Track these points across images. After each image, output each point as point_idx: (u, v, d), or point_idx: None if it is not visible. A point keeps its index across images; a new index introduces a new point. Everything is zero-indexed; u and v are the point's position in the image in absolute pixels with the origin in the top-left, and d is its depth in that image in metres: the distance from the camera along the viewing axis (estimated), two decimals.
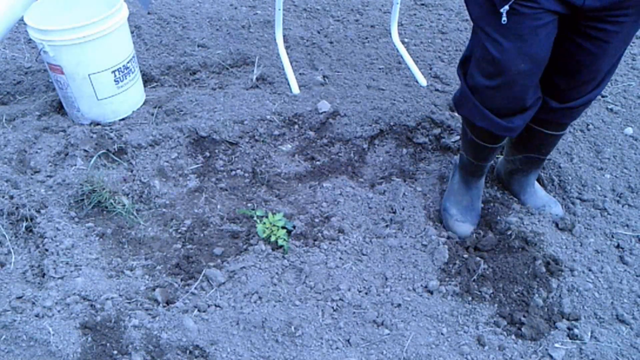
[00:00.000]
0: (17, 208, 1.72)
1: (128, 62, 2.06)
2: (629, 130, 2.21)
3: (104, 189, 1.80)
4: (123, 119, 2.12)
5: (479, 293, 1.57)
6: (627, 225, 1.80)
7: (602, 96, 2.40)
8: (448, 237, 1.75)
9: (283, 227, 1.72)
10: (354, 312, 1.52)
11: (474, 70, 1.42)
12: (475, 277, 1.60)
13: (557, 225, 1.80)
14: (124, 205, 1.81)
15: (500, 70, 1.34)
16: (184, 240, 1.75)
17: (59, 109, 2.20)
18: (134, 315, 1.47)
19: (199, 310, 1.51)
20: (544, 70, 1.41)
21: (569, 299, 1.56)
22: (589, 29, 1.32)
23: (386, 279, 1.62)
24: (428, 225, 1.77)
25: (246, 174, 2.00)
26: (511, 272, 1.60)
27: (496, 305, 1.55)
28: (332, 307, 1.53)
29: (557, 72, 1.44)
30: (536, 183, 1.88)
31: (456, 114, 2.25)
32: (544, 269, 1.63)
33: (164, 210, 1.84)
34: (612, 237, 1.77)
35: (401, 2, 2.78)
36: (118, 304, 1.50)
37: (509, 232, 1.72)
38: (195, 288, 1.57)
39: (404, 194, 1.87)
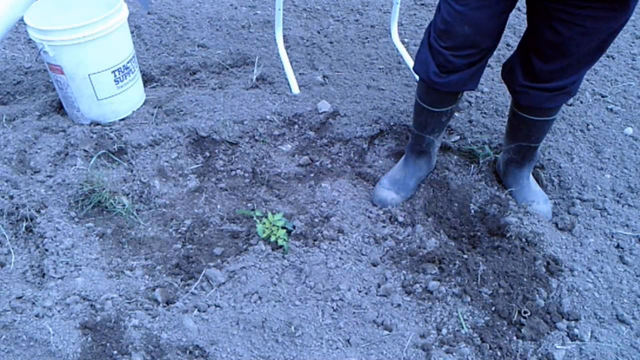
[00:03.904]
0: (17, 208, 1.72)
1: (128, 62, 2.06)
2: (629, 130, 2.21)
3: (104, 189, 1.80)
4: (123, 119, 2.12)
5: (478, 293, 1.57)
6: (627, 225, 1.80)
7: (602, 96, 2.41)
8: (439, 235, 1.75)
9: (283, 227, 1.72)
10: (354, 312, 1.52)
11: (432, 30, 1.60)
12: (475, 277, 1.60)
13: (557, 225, 1.80)
14: (124, 205, 1.81)
15: (449, 30, 1.52)
16: (184, 240, 1.75)
17: (59, 109, 2.20)
18: (134, 315, 1.47)
19: (199, 310, 1.51)
20: (524, 51, 1.60)
21: (569, 299, 1.56)
22: (561, 12, 1.42)
23: (386, 279, 1.62)
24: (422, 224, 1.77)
25: (246, 174, 2.00)
26: (511, 273, 1.60)
27: (496, 305, 1.55)
28: (332, 307, 1.53)
29: (534, 53, 1.56)
30: (532, 179, 1.90)
31: (456, 114, 2.25)
32: (544, 269, 1.63)
33: (164, 210, 1.84)
34: (612, 237, 1.77)
35: (401, 2, 2.78)
36: (118, 304, 1.50)
37: (509, 233, 1.72)
38: (195, 288, 1.57)
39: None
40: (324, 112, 2.21)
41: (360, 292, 1.58)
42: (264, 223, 1.72)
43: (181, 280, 1.61)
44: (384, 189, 1.86)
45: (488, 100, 2.35)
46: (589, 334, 1.49)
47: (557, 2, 1.42)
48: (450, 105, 1.73)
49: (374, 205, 1.86)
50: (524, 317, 1.51)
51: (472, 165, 2.02)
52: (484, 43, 1.54)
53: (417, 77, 1.73)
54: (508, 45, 2.76)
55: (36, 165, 1.89)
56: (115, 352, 1.40)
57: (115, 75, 2.03)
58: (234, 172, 2.00)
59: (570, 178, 1.97)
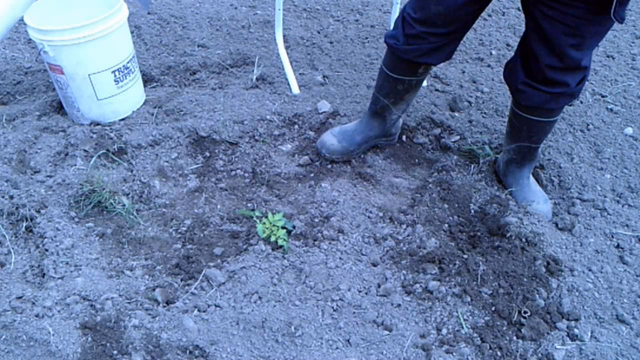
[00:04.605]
0: (17, 208, 1.72)
1: (128, 62, 2.06)
2: (629, 130, 2.21)
3: (104, 189, 1.80)
4: (123, 119, 2.12)
5: (478, 293, 1.57)
6: (627, 225, 1.80)
7: (602, 96, 2.41)
8: (439, 237, 1.75)
9: (283, 227, 1.72)
10: (354, 312, 1.52)
11: (408, 3, 1.65)
12: (475, 277, 1.60)
13: (557, 225, 1.80)
14: (124, 205, 1.81)
15: (423, 6, 1.57)
16: (184, 240, 1.75)
17: (59, 109, 2.20)
18: (134, 315, 1.47)
19: (199, 310, 1.51)
20: (522, 51, 1.62)
21: (569, 299, 1.56)
22: (544, 6, 1.46)
23: (386, 279, 1.62)
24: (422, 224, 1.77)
25: (246, 174, 2.00)
26: (511, 273, 1.60)
27: (496, 305, 1.55)
28: (332, 307, 1.53)
29: (530, 51, 1.58)
30: (532, 179, 1.90)
31: (456, 114, 2.25)
32: (544, 269, 1.63)
33: (164, 210, 1.84)
34: (612, 237, 1.77)
35: (401, 2, 2.78)
36: (118, 304, 1.50)
37: (509, 233, 1.72)
38: (195, 288, 1.57)
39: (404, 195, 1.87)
40: (324, 112, 2.21)
41: (360, 292, 1.58)
42: (264, 223, 1.72)
43: (181, 280, 1.61)
44: (330, 134, 1.99)
45: (488, 100, 2.35)
46: (589, 334, 1.49)
47: None
48: (408, 75, 1.78)
49: (319, 150, 1.99)
50: (524, 317, 1.51)
51: (472, 165, 2.02)
52: (452, 26, 1.59)
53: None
54: (508, 45, 2.76)
55: (36, 165, 1.89)
56: (115, 352, 1.40)
57: (115, 75, 2.03)
58: (234, 172, 2.00)
59: (570, 178, 1.97)
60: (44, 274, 1.57)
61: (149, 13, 2.92)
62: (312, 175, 2.01)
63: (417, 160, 2.08)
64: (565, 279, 1.61)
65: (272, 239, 1.68)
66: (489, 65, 2.61)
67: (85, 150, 1.94)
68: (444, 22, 1.57)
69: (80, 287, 1.53)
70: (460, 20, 1.59)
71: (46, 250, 1.62)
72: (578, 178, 1.96)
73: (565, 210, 1.87)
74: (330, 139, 1.97)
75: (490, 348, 1.46)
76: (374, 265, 1.66)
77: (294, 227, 1.74)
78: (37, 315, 1.44)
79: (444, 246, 1.71)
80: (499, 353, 1.45)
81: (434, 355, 1.42)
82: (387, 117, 1.95)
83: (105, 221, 1.78)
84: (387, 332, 1.48)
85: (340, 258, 1.66)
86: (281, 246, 1.67)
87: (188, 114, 2.15)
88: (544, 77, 1.58)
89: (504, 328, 1.50)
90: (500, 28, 2.91)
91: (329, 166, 2.03)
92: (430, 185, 1.94)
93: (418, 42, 1.64)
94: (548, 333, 1.49)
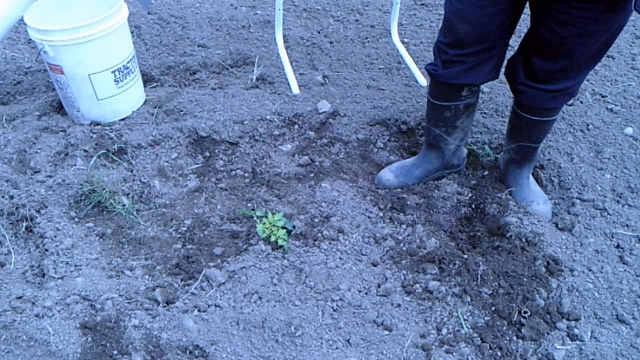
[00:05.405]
0: (17, 208, 1.72)
1: (128, 62, 2.06)
2: (629, 130, 2.21)
3: (104, 189, 1.80)
4: (123, 119, 2.12)
5: (478, 293, 1.57)
6: (627, 225, 1.80)
7: (602, 96, 2.41)
8: (439, 236, 1.75)
9: (283, 227, 1.72)
10: (354, 312, 1.52)
11: (440, 31, 1.66)
12: (475, 277, 1.60)
13: (557, 225, 1.80)
14: (124, 205, 1.81)
15: (450, 27, 1.57)
16: (184, 240, 1.75)
17: (59, 109, 2.20)
18: (134, 315, 1.47)
19: (199, 310, 1.51)
20: (525, 50, 1.61)
21: (569, 299, 1.56)
22: (556, 12, 1.45)
23: (386, 279, 1.62)
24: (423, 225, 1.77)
25: (246, 174, 2.00)
26: (511, 273, 1.60)
27: (496, 305, 1.55)
28: (332, 307, 1.53)
29: (534, 52, 1.58)
30: (532, 179, 1.90)
31: None
32: (544, 269, 1.63)
33: (164, 210, 1.84)
34: (612, 237, 1.77)
35: (401, 2, 2.78)
36: (118, 304, 1.50)
37: (509, 233, 1.72)
38: (195, 288, 1.57)
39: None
40: (324, 112, 2.21)
41: (360, 292, 1.58)
42: (264, 223, 1.72)
43: (181, 280, 1.61)
44: (388, 171, 1.96)
45: (488, 100, 2.35)
46: (589, 334, 1.49)
47: (554, 2, 1.43)
48: (452, 100, 1.74)
49: (376, 186, 1.95)
50: (524, 317, 1.51)
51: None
52: (484, 43, 1.56)
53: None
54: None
55: (36, 165, 1.89)
56: (115, 352, 1.40)
57: (115, 75, 2.03)
58: (234, 172, 2.00)
59: (570, 178, 1.97)
60: (44, 274, 1.57)
61: (149, 13, 2.92)
62: (312, 175, 2.00)
63: None
64: (565, 279, 1.61)
65: (272, 239, 1.68)
66: None
67: (85, 150, 1.94)
68: (474, 40, 1.55)
69: (80, 287, 1.53)
70: (491, 36, 1.55)
71: (46, 250, 1.62)
72: (578, 178, 1.96)
73: (565, 210, 1.87)
74: (387, 175, 1.94)
75: (490, 348, 1.46)
76: (374, 265, 1.66)
77: (294, 227, 1.74)
78: (37, 315, 1.44)
79: (444, 246, 1.71)
80: (499, 353, 1.44)
81: (434, 355, 1.42)
82: (444, 147, 1.88)
83: (105, 221, 1.78)
84: (387, 332, 1.48)
85: (340, 258, 1.66)
86: (281, 246, 1.67)
87: (188, 114, 2.15)
88: (545, 77, 1.58)
89: (504, 328, 1.50)
90: None
91: (329, 166, 2.03)
92: (431, 185, 1.94)
93: (454, 66, 1.63)
94: (548, 333, 1.49)
